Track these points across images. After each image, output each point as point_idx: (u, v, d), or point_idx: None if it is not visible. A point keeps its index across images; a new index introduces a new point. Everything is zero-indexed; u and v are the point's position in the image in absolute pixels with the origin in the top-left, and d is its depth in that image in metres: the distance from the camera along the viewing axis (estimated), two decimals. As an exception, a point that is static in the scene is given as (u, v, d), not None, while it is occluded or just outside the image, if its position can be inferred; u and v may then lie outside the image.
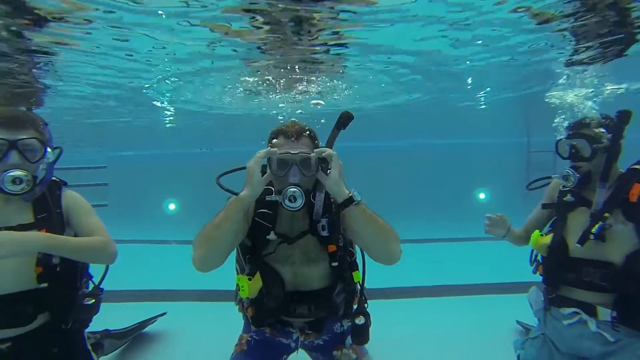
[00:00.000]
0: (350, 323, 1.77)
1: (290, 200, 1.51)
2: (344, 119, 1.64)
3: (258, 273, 1.67)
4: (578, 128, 1.91)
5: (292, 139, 1.61)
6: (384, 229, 1.60)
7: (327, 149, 1.58)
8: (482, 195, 10.81)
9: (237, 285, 1.71)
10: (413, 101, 7.79)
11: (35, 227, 1.69)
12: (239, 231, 1.61)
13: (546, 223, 2.13)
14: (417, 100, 7.77)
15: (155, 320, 3.53)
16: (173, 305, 4.11)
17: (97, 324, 1.95)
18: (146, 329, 3.45)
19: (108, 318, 2.39)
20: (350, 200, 1.51)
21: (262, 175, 1.55)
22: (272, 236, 1.67)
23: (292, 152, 1.57)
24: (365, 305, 1.80)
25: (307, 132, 1.65)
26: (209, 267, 1.58)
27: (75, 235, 1.81)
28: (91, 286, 1.95)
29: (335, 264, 1.69)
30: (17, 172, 1.60)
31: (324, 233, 1.66)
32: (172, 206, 10.74)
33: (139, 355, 3.18)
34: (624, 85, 5.55)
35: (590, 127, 1.87)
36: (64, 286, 1.77)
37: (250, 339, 1.90)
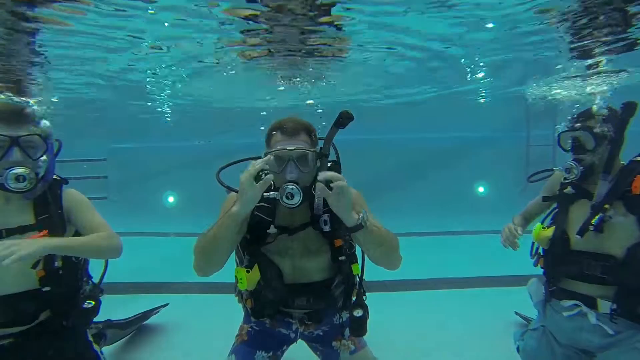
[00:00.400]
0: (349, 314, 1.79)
1: (287, 198, 1.50)
2: (344, 119, 1.60)
3: (256, 265, 1.67)
4: (581, 120, 1.89)
5: (289, 134, 1.59)
6: (389, 244, 1.61)
7: (337, 175, 1.46)
8: (481, 189, 10.83)
9: (236, 277, 1.72)
10: (421, 92, 7.70)
11: (35, 228, 1.69)
12: (236, 239, 1.61)
13: (545, 212, 2.14)
14: (424, 93, 7.70)
15: (158, 311, 3.55)
16: (174, 297, 4.13)
17: (99, 315, 1.96)
18: (148, 321, 3.47)
19: (110, 310, 2.41)
20: (359, 226, 1.48)
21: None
22: (272, 230, 1.68)
23: (288, 148, 1.55)
24: (364, 297, 1.81)
25: (305, 128, 1.63)
26: (210, 274, 1.63)
27: (77, 233, 1.82)
28: (91, 285, 1.96)
29: (342, 257, 1.70)
30: (20, 170, 1.59)
31: (327, 228, 1.66)
32: (171, 199, 10.75)
33: (141, 347, 3.21)
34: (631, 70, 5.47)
35: (594, 119, 1.86)
36: (66, 286, 1.78)
37: (250, 329, 1.91)
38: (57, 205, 1.78)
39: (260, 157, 1.58)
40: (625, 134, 1.80)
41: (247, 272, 1.65)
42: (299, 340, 1.97)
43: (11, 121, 1.62)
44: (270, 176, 1.48)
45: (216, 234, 1.54)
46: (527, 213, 2.25)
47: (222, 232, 1.53)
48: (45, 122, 1.76)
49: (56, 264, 1.70)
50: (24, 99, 5.98)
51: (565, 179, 1.97)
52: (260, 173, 1.47)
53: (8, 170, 1.58)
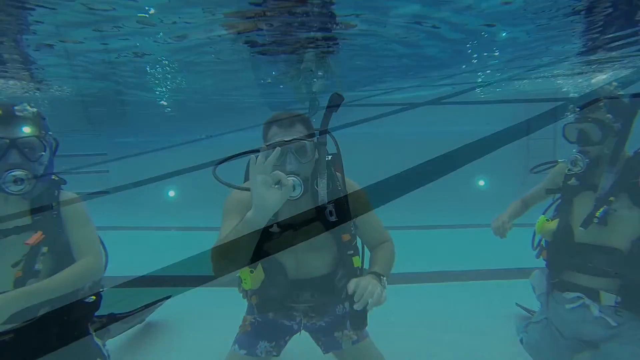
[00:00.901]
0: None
1: None
2: (335, 101, 1.62)
3: (260, 265, 1.67)
4: (587, 112, 1.87)
5: (286, 126, 1.60)
6: (392, 265, 1.71)
7: (369, 284, 1.44)
8: (481, 183, 10.81)
9: (239, 277, 1.72)
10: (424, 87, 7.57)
11: (31, 229, 1.68)
12: (255, 242, 1.57)
13: (546, 200, 2.14)
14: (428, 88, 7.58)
15: (161, 304, 3.57)
16: (176, 290, 4.14)
17: (102, 309, 1.96)
18: (151, 316, 3.48)
19: (112, 304, 2.41)
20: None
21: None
22: (275, 229, 1.65)
23: (285, 139, 1.55)
24: None
25: (301, 119, 1.64)
26: (231, 274, 1.60)
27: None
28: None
29: (351, 252, 1.70)
30: (18, 172, 1.60)
31: (332, 218, 1.64)
32: (172, 193, 10.75)
33: (143, 340, 3.22)
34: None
35: (600, 110, 1.83)
36: None
37: (253, 320, 1.92)
38: (55, 207, 1.76)
39: (257, 151, 1.56)
40: (632, 125, 1.78)
41: (251, 272, 1.65)
42: (302, 331, 1.97)
43: (9, 122, 1.61)
44: (290, 180, 1.41)
45: (234, 242, 1.48)
46: (527, 200, 2.25)
47: (240, 240, 1.46)
48: (42, 122, 1.75)
49: (36, 267, 1.68)
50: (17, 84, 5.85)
51: (569, 170, 1.95)
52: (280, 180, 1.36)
53: (7, 173, 1.58)
